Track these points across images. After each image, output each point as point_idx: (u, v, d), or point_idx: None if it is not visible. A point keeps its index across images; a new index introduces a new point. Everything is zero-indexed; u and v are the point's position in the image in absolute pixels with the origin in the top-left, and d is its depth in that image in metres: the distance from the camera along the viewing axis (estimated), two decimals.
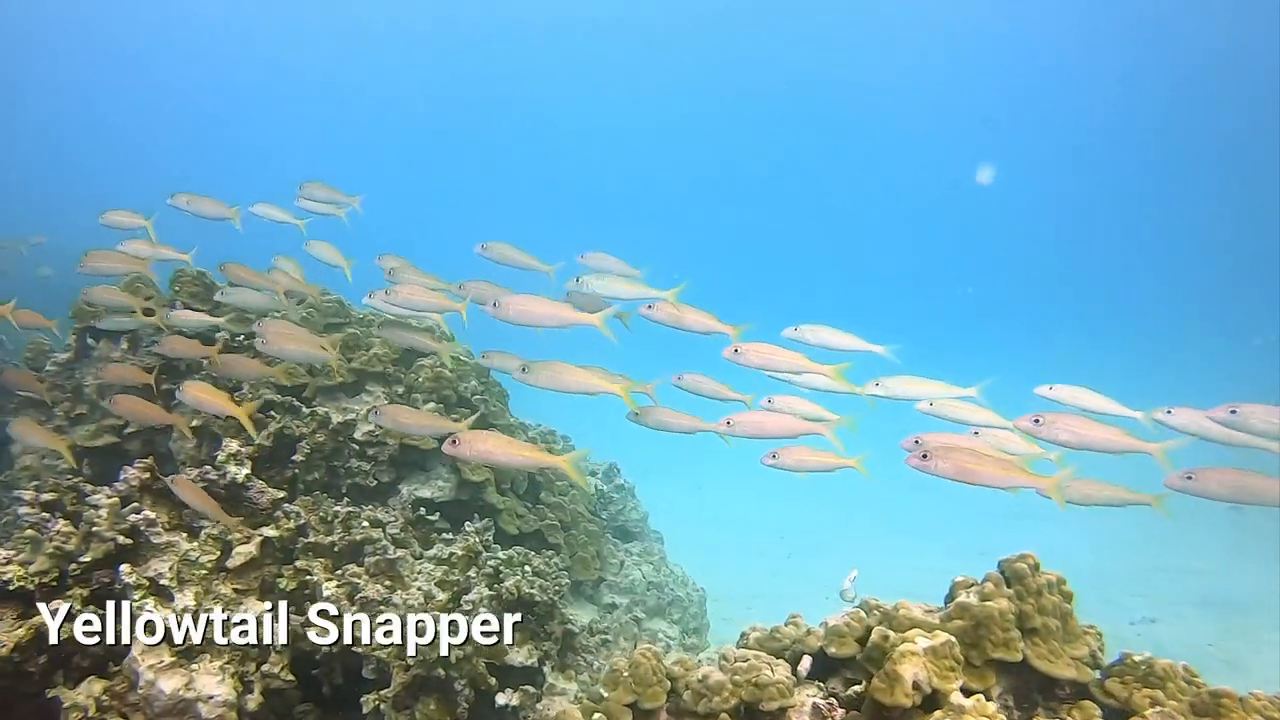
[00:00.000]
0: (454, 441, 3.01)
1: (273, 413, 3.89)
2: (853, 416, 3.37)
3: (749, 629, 2.71)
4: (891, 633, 2.14)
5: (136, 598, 2.61)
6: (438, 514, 3.71)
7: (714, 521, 10.31)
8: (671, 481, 7.85)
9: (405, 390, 4.06)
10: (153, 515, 2.80)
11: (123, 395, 3.76)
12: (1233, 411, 2.58)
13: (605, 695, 2.43)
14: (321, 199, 4.71)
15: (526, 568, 3.35)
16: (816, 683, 2.34)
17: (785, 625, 2.65)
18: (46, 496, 2.84)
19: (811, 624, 2.62)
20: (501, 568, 3.33)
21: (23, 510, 2.79)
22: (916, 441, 2.85)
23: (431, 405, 3.94)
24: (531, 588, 3.27)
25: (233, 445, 3.25)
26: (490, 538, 3.63)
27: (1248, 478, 2.49)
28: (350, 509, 3.39)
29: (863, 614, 2.41)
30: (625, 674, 2.44)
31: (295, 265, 4.19)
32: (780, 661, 2.33)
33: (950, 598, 2.40)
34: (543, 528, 4.23)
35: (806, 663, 2.37)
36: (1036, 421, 2.80)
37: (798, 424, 3.29)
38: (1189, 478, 2.53)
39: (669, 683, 2.41)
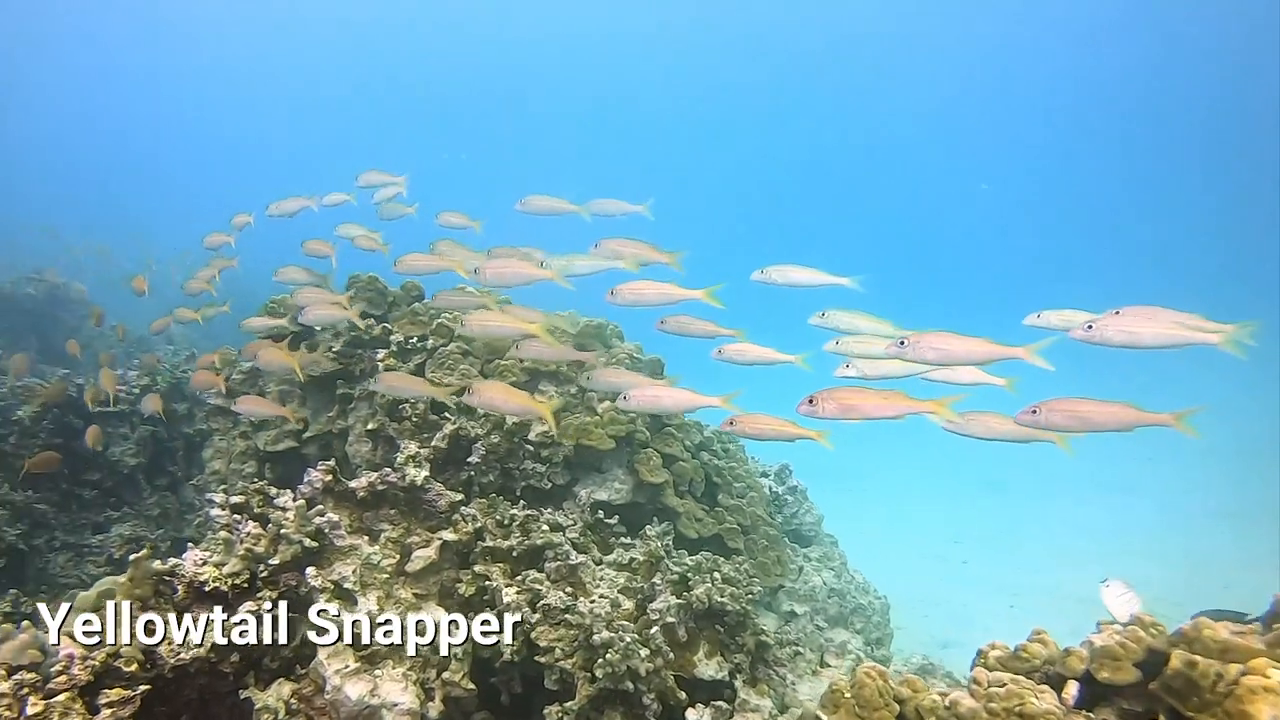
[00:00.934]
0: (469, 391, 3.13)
1: (447, 414, 3.83)
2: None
3: (986, 647, 2.35)
4: (1201, 659, 1.75)
5: (322, 601, 2.54)
6: (615, 517, 3.52)
7: (875, 522, 9.73)
8: (826, 480, 7.44)
9: (579, 390, 3.91)
10: (336, 518, 2.75)
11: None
12: (1089, 326, 2.57)
13: (824, 718, 2.15)
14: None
15: (715, 574, 3.11)
16: (1085, 714, 1.98)
17: (1031, 643, 2.29)
18: (236, 499, 2.83)
19: (1045, 639, 2.27)
20: (689, 574, 3.11)
21: (215, 512, 2.79)
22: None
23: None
24: (722, 596, 3.03)
25: (411, 447, 3.18)
26: (670, 542, 3.42)
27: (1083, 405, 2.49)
28: (528, 512, 3.26)
29: (1140, 633, 2.03)
30: (847, 695, 2.17)
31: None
32: (1044, 688, 1.98)
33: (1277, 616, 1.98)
34: (722, 531, 3.98)
35: (1073, 689, 2.01)
36: (902, 344, 2.76)
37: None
38: (1034, 411, 2.53)
39: (897, 706, 2.12)
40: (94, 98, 40.02)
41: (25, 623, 2.38)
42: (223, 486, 4.94)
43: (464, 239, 4.36)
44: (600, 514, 3.51)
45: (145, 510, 5.65)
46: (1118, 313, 2.55)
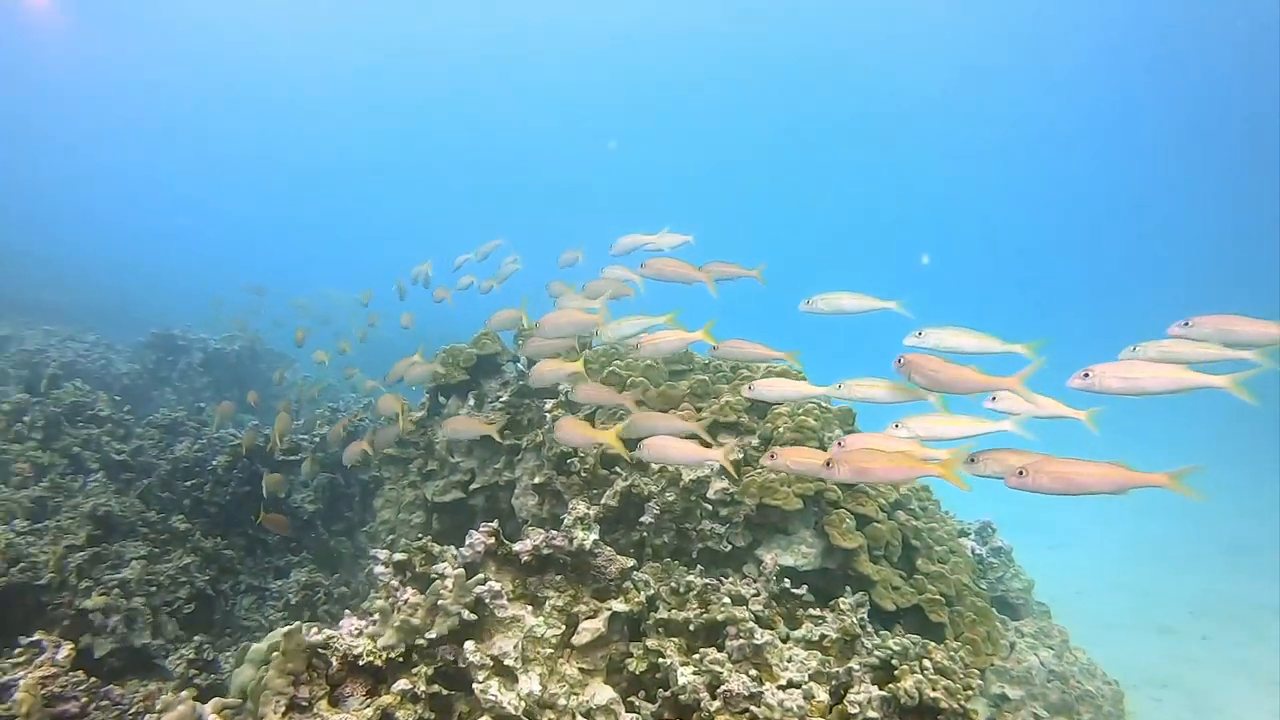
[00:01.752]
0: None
1: (618, 469, 3.57)
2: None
3: None
4: None
5: (481, 679, 2.28)
6: (804, 586, 3.11)
7: (1083, 585, 8.57)
8: (1026, 536, 6.54)
9: (761, 442, 3.55)
10: (497, 586, 2.50)
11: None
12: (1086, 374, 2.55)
13: None
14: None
15: (926, 662, 2.64)
16: None
17: None
18: (399, 557, 2.65)
19: None
20: (893, 659, 2.66)
21: (378, 569, 2.63)
22: None
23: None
24: (935, 690, 2.55)
25: (580, 507, 2.91)
26: (865, 615, 2.98)
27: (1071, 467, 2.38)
28: (707, 581, 2.91)
29: None
30: None
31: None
32: None
33: None
34: (923, 602, 3.47)
35: None
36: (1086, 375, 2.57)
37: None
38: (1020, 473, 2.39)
39: None
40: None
41: (185, 692, 2.26)
42: (391, 536, 4.92)
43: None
44: (786, 582, 3.11)
45: (322, 556, 5.73)
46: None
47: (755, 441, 3.57)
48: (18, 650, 2.97)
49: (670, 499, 3.40)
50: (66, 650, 2.72)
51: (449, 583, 2.41)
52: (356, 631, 2.39)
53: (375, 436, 4.89)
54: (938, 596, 3.52)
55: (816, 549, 3.34)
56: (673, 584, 2.95)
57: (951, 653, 2.77)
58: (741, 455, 3.49)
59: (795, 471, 2.85)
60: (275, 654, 2.27)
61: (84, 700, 2.63)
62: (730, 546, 3.39)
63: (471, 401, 4.62)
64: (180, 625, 4.48)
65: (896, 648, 2.71)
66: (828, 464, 2.57)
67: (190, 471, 5.73)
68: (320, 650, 2.31)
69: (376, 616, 2.44)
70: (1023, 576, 5.07)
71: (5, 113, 34.95)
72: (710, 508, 3.43)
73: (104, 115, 37.19)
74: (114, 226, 36.56)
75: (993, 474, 2.60)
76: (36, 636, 2.95)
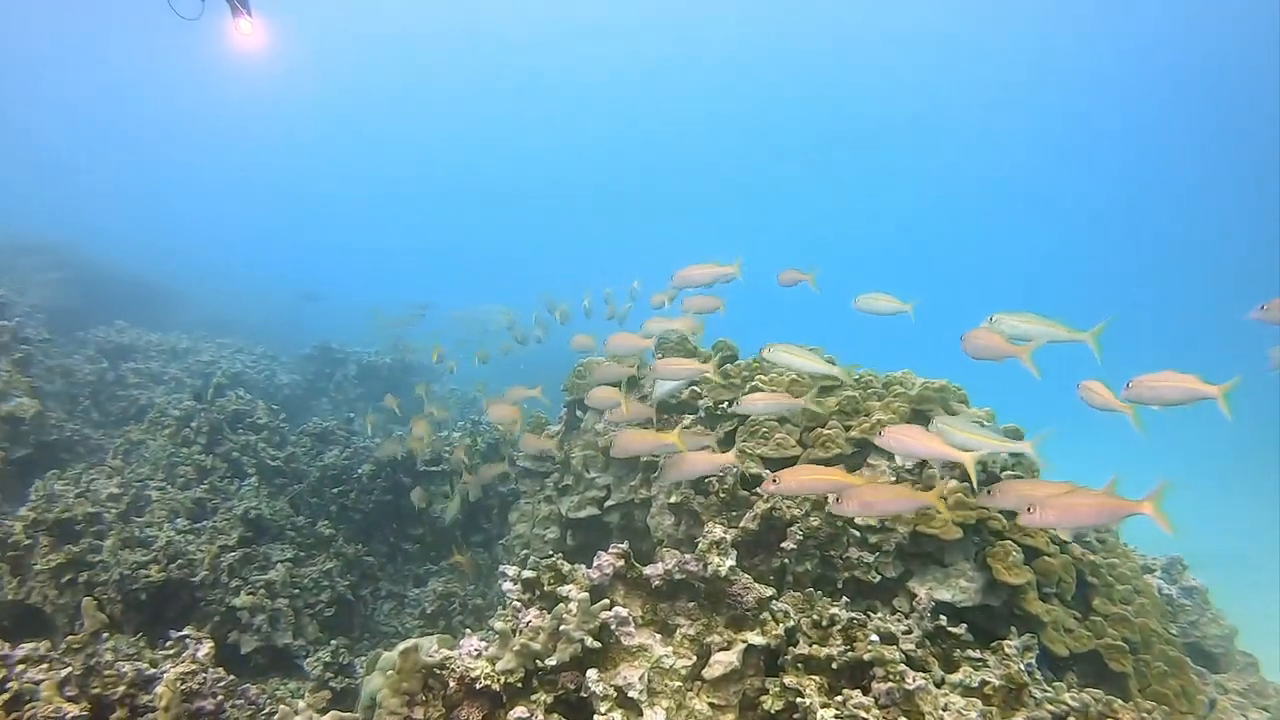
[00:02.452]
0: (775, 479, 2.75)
1: (759, 490, 3.37)
2: None
3: None
4: None
5: (603, 710, 2.14)
6: (963, 625, 2.79)
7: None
8: (1218, 571, 5.73)
9: (917, 464, 3.27)
10: (625, 612, 2.35)
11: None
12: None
13: None
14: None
15: None
16: None
17: None
18: (528, 574, 2.56)
19: None
20: (1070, 717, 2.34)
21: (506, 586, 2.56)
22: None
23: (953, 485, 3.09)
24: None
25: (715, 531, 2.73)
26: (1034, 660, 2.64)
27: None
28: (853, 615, 2.66)
29: None
30: None
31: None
32: None
33: None
34: (1102, 648, 3.08)
35: None
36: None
37: None
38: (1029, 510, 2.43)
39: None
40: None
41: (305, 700, 2.23)
42: (525, 551, 4.89)
43: None
44: (942, 619, 2.81)
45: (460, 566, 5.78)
46: None
47: (911, 464, 3.29)
48: (168, 644, 3.07)
49: (815, 524, 3.17)
50: (207, 648, 2.77)
51: (573, 606, 2.28)
52: (475, 653, 2.31)
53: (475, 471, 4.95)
54: (1119, 642, 3.13)
55: (977, 583, 3.03)
56: (815, 616, 2.72)
57: (1144, 714, 2.41)
58: (893, 479, 3.22)
59: (1008, 506, 2.72)
60: (391, 672, 2.22)
61: (220, 698, 2.66)
62: (880, 577, 3.13)
63: (608, 416, 4.53)
64: (320, 628, 4.60)
65: (1074, 703, 2.39)
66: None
67: (338, 479, 5.93)
68: (437, 671, 2.24)
69: (497, 638, 2.34)
70: (1222, 621, 4.49)
71: (212, 146, 39.00)
72: (859, 534, 3.17)
73: (287, 139, 40.72)
74: (291, 246, 39.44)
75: (1009, 506, 2.67)
76: (185, 631, 3.04)
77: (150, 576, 4.24)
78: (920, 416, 3.42)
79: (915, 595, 2.96)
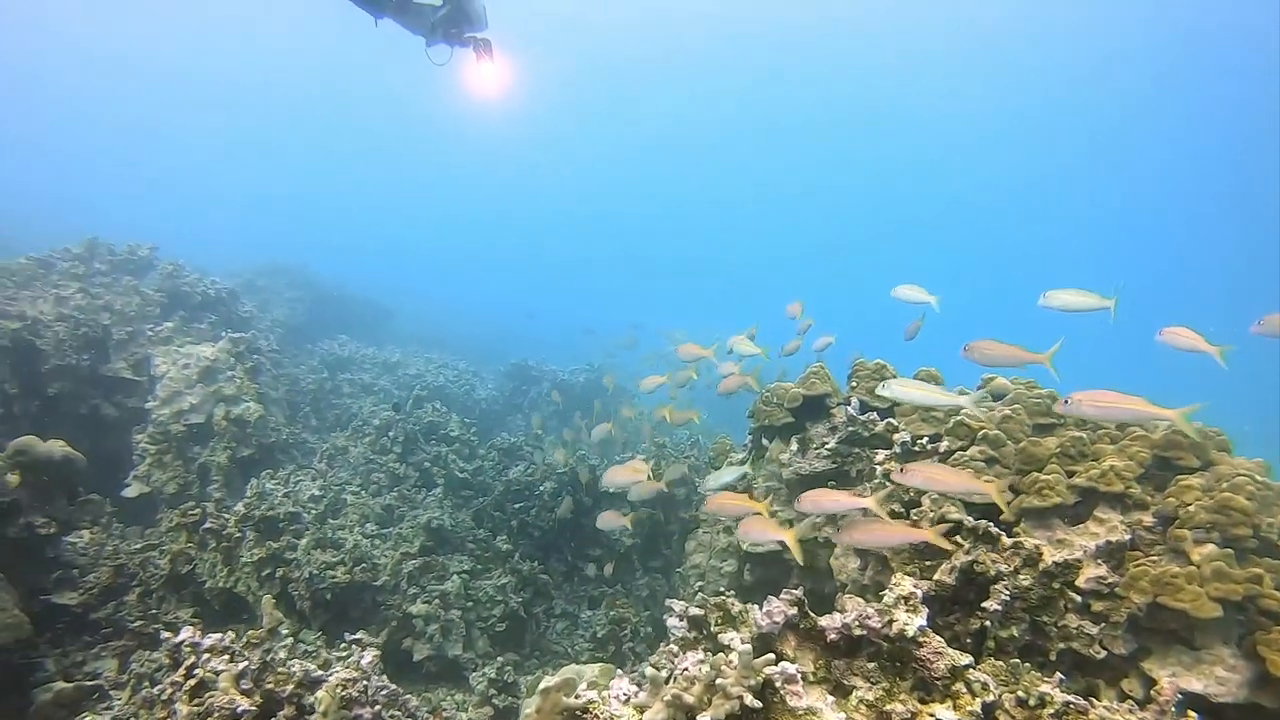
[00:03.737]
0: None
1: (959, 538, 2.97)
2: None
3: None
4: None
5: None
6: None
7: None
8: None
9: (1159, 520, 2.75)
10: (794, 669, 2.06)
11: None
12: None
13: None
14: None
15: None
16: None
17: None
18: (695, 612, 2.34)
19: None
20: None
21: (671, 622, 2.36)
22: None
23: (1209, 551, 2.55)
24: None
25: (905, 584, 2.37)
26: None
27: None
28: (1070, 698, 2.22)
29: None
30: None
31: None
32: None
33: None
34: None
35: None
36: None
37: None
38: None
39: None
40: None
41: (465, 716, 2.12)
42: (700, 583, 4.66)
43: None
44: (1192, 717, 2.30)
45: (636, 590, 5.65)
46: None
47: (1149, 520, 2.77)
48: (341, 645, 3.10)
49: (1025, 582, 2.73)
50: (371, 656, 2.76)
51: (734, 658, 2.03)
52: (624, 698, 2.11)
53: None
54: None
55: (1240, 676, 2.47)
56: (1020, 692, 2.31)
57: None
58: (1128, 537, 2.72)
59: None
60: (530, 712, 2.05)
61: (379, 707, 2.63)
62: (1105, 653, 2.64)
63: (795, 446, 4.24)
64: (491, 642, 4.59)
65: None
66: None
67: (521, 494, 5.99)
68: (579, 714, 2.05)
69: (648, 683, 2.12)
70: None
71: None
72: (1079, 599, 2.70)
73: (496, 167, 44.11)
74: (503, 267, 41.98)
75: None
76: (357, 635, 3.06)
77: (336, 578, 4.41)
78: (1167, 466, 2.88)
79: (1153, 680, 2.46)
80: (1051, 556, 2.73)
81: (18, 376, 5.91)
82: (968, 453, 3.26)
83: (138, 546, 4.86)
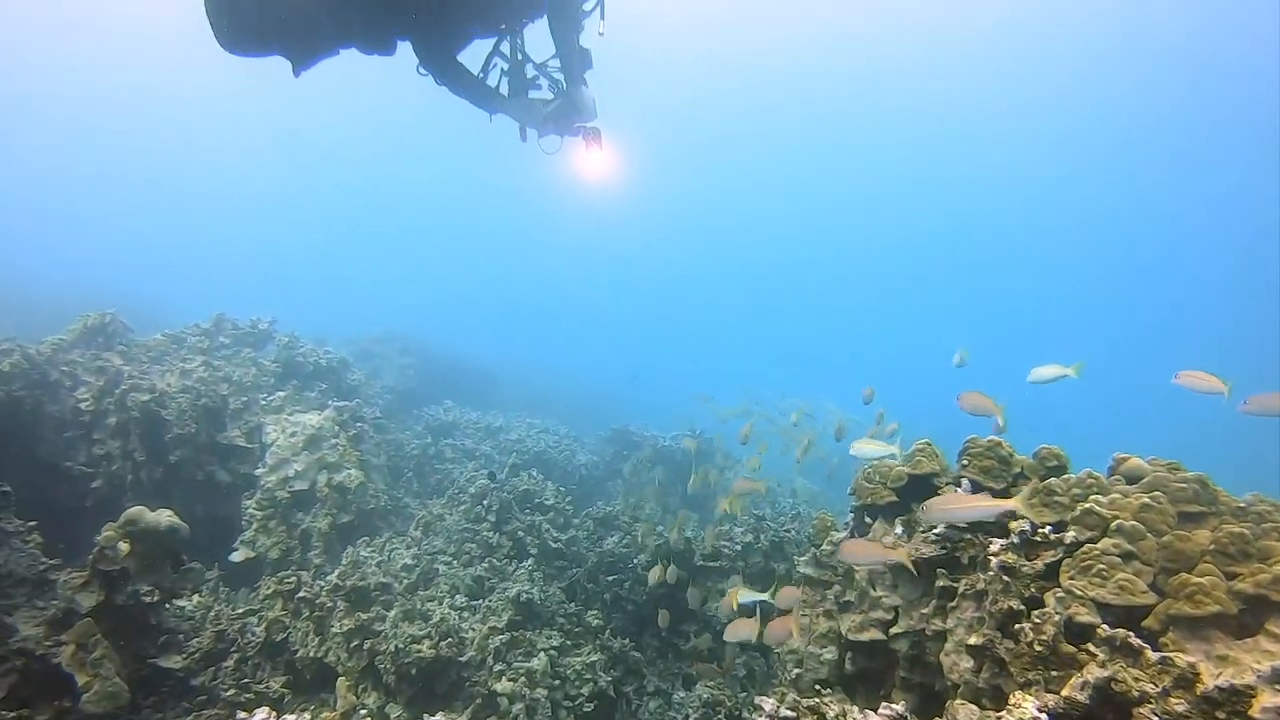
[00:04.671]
0: None
1: (1091, 646, 2.52)
2: None
3: None
4: None
5: None
6: None
7: None
8: None
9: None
10: None
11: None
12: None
13: None
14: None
15: None
16: None
17: None
18: (786, 713, 2.00)
19: None
20: None
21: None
22: None
23: None
24: None
25: (1026, 704, 1.97)
26: None
27: None
28: None
29: None
30: None
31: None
32: None
33: None
34: None
35: None
36: None
37: None
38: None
39: None
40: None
41: None
42: (796, 670, 4.25)
43: None
44: None
45: (733, 670, 5.27)
46: None
47: None
48: None
49: (1180, 708, 2.26)
50: None
51: None
52: None
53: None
54: None
55: None
56: None
57: None
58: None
59: None
60: None
61: None
62: None
63: (900, 529, 3.84)
64: None
65: None
66: None
67: (614, 566, 5.72)
68: None
69: None
70: None
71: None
72: None
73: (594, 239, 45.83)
74: (607, 332, 42.84)
75: None
76: (437, 716, 2.85)
77: (421, 652, 4.22)
78: None
79: None
80: (1213, 679, 2.26)
81: (145, 445, 6.09)
82: (1099, 545, 2.81)
83: (239, 612, 4.83)
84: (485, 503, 6.12)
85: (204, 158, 44.68)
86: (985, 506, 3.07)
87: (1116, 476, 3.22)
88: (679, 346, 45.35)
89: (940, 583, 3.38)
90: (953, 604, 3.31)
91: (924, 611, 3.47)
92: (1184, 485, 2.86)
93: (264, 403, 6.76)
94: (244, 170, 45.71)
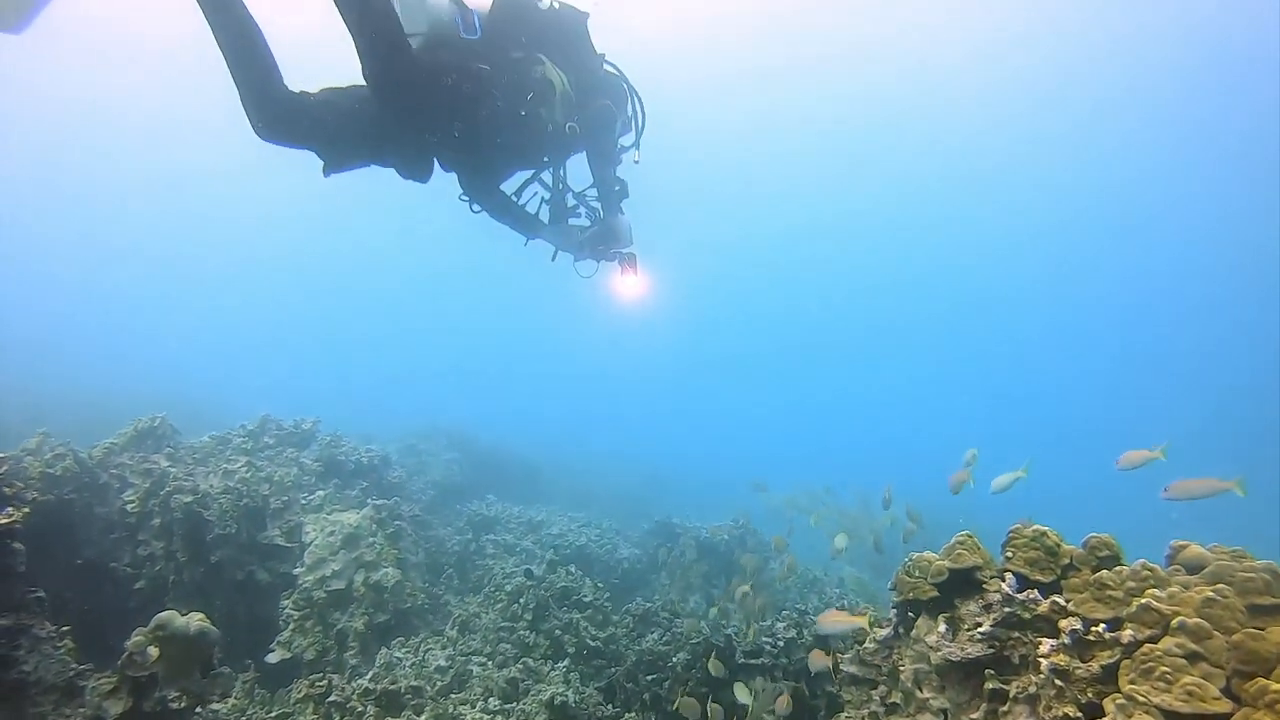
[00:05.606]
0: None
1: None
2: None
3: None
4: None
5: None
6: None
7: None
8: None
9: None
10: None
11: None
12: None
13: None
14: None
15: None
16: None
17: None
18: None
19: None
20: None
21: None
22: None
23: None
24: None
25: None
26: None
27: None
28: None
29: None
30: None
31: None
32: None
33: None
34: None
35: None
36: None
37: None
38: None
39: None
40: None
41: None
42: None
43: None
44: None
45: None
46: None
47: None
48: None
49: None
50: None
51: None
52: None
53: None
54: None
55: None
56: None
57: None
58: None
59: None
60: None
61: None
62: None
63: (943, 627, 3.55)
64: None
65: None
66: None
67: (654, 665, 5.43)
68: None
69: None
70: None
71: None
72: None
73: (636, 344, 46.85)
74: (642, 423, 42.68)
75: None
76: None
77: None
78: None
79: None
80: None
81: (188, 545, 6.05)
82: (1160, 645, 2.52)
83: (271, 716, 4.65)
84: (522, 600, 5.90)
85: (264, 253, 47.38)
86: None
87: (1175, 566, 2.94)
88: (723, 430, 44.88)
89: (990, 685, 3.09)
90: (1004, 709, 3.01)
91: (974, 716, 3.16)
92: (1252, 575, 2.57)
93: (304, 502, 6.70)
94: (305, 270, 48.40)
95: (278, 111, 3.53)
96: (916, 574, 3.76)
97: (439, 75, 3.86)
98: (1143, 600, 2.67)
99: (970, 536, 3.58)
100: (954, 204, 41.89)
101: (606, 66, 4.78)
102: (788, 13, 30.47)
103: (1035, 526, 3.38)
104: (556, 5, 4.45)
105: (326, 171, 3.92)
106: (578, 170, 4.91)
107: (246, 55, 3.40)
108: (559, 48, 4.38)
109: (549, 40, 4.34)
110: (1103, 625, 2.78)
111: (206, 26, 3.33)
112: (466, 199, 4.56)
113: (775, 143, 39.87)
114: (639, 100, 4.84)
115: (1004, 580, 3.26)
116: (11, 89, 32.19)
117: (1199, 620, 2.49)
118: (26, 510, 4.45)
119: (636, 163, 4.86)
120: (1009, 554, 3.38)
